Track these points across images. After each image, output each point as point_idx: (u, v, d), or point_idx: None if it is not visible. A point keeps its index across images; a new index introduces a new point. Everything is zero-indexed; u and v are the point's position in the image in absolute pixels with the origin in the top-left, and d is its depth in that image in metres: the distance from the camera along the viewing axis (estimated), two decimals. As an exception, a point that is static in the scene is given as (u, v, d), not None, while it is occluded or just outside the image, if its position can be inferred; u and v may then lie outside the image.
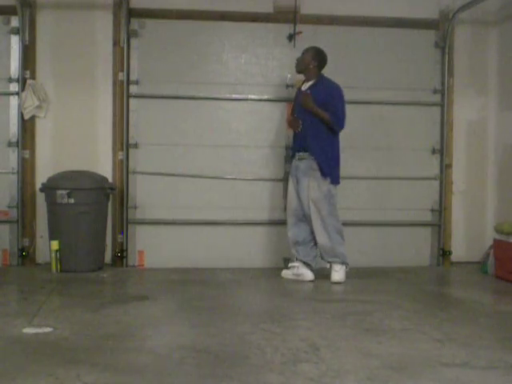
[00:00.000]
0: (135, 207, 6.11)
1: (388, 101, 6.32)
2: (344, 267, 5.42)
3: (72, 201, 5.61)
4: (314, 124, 5.38)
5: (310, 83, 5.50)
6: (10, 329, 3.75)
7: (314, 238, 5.50)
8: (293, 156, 5.61)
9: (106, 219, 5.95)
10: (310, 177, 5.39)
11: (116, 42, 6.04)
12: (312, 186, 5.38)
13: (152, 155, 6.11)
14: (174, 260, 6.07)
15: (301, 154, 5.46)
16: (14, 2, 5.78)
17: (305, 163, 5.43)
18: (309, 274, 5.50)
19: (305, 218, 5.50)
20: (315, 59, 5.47)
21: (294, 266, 5.56)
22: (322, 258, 5.50)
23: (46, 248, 5.84)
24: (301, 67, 5.53)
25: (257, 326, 3.92)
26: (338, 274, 5.41)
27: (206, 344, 3.51)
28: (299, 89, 5.63)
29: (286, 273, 5.64)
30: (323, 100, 5.36)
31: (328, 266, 5.46)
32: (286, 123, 5.93)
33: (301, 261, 5.53)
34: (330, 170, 5.40)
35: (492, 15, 6.48)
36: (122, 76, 6.02)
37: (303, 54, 5.55)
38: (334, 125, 5.38)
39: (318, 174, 5.38)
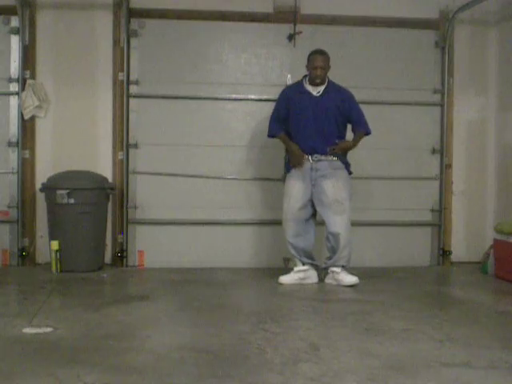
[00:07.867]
0: (135, 207, 6.11)
1: (388, 101, 6.32)
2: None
3: (72, 201, 5.60)
4: (332, 124, 5.28)
5: (323, 87, 5.31)
6: (10, 329, 3.75)
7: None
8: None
9: (105, 219, 5.95)
10: (334, 177, 5.24)
11: (116, 42, 6.04)
12: (338, 186, 5.23)
13: (152, 155, 6.11)
14: (174, 260, 6.07)
15: (316, 155, 5.26)
16: (14, 2, 5.78)
17: (324, 164, 5.25)
18: (316, 276, 5.37)
19: (309, 222, 5.35)
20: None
21: (301, 270, 5.34)
22: (329, 259, 5.33)
23: (46, 248, 5.84)
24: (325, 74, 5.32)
25: (257, 325, 3.92)
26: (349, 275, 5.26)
27: (205, 344, 3.51)
28: (303, 92, 5.34)
29: (286, 279, 5.35)
30: (337, 104, 5.27)
31: (333, 269, 5.28)
32: (290, 156, 5.33)
33: (311, 264, 5.38)
34: (349, 167, 5.39)
35: (492, 15, 6.48)
36: (122, 76, 6.02)
37: (324, 57, 5.27)
38: (367, 133, 5.39)
39: (344, 172, 5.31)
